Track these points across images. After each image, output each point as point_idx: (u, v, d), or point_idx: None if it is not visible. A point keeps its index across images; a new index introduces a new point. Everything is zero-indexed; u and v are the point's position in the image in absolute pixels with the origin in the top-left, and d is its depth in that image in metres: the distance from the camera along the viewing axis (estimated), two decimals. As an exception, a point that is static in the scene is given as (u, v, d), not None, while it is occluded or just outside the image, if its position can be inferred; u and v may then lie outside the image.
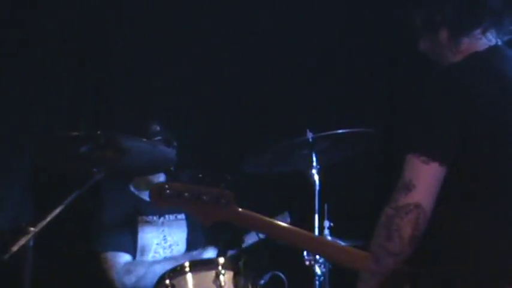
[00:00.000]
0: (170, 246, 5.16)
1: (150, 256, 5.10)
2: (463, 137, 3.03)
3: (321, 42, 6.13)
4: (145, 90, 5.88)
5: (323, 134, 4.63)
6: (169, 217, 5.23)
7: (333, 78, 5.99)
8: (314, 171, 4.68)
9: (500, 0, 3.31)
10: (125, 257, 5.00)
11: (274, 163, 4.86)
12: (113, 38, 5.88)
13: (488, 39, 3.28)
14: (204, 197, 3.38)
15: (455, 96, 3.14)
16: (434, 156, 2.99)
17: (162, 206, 3.69)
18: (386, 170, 5.56)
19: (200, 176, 3.63)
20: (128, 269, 4.99)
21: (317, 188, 4.66)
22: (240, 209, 3.40)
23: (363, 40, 5.95)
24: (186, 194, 3.40)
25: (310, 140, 4.60)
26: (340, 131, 4.59)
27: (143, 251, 5.11)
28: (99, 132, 4.32)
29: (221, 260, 4.34)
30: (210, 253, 4.99)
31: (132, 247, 5.05)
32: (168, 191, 3.40)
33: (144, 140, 4.65)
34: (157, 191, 3.42)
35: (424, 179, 2.99)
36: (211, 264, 4.36)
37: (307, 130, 4.59)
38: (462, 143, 3.03)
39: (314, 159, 4.69)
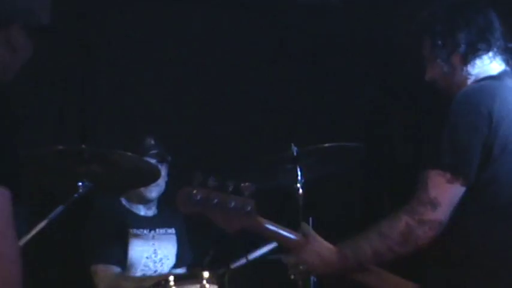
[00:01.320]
0: (160, 260, 5.14)
1: (139, 270, 5.09)
2: (485, 157, 3.23)
3: (306, 56, 6.18)
4: (132, 105, 5.84)
5: (308, 148, 4.65)
6: (159, 231, 5.23)
7: (318, 92, 6.05)
8: (299, 185, 4.68)
9: (503, 28, 3.50)
10: (115, 270, 4.98)
11: (259, 178, 4.61)
12: (100, 51, 5.82)
13: (499, 63, 3.47)
14: (230, 205, 3.41)
15: (482, 118, 3.28)
16: (460, 176, 3.19)
17: (186, 211, 3.53)
18: (370, 185, 5.52)
19: (226, 183, 3.53)
20: (118, 283, 5.02)
21: (301, 202, 4.67)
22: (262, 218, 3.42)
23: (347, 55, 5.98)
24: (214, 201, 3.41)
25: (295, 154, 4.60)
26: (325, 145, 4.63)
27: (133, 264, 5.09)
28: (83, 146, 4.28)
29: (206, 274, 4.26)
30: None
31: (122, 260, 5.02)
32: (197, 197, 3.39)
33: (130, 153, 4.59)
34: (185, 195, 3.40)
35: (449, 198, 3.20)
36: (196, 278, 4.30)
37: (292, 144, 4.59)
38: (483, 163, 3.22)
39: (299, 173, 4.68)
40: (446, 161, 3.28)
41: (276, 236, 3.54)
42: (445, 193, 3.23)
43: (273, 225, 3.45)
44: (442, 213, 3.21)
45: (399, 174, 5.17)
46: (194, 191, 3.34)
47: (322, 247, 3.48)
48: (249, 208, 3.33)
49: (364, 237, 3.41)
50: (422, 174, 3.30)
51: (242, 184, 3.53)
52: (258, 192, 4.14)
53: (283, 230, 3.46)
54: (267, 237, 3.83)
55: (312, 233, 3.52)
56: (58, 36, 5.55)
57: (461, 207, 3.28)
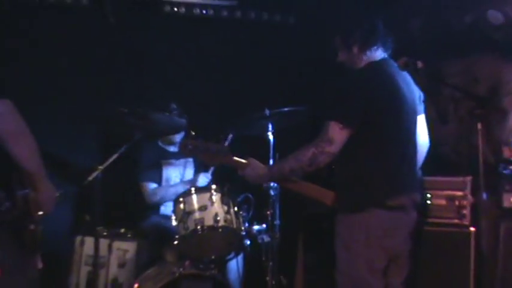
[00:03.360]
0: (183, 177, 6.21)
1: (171, 183, 6.15)
2: (366, 112, 3.95)
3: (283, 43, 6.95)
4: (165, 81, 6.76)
5: (275, 111, 5.48)
6: (182, 160, 6.28)
7: (283, 72, 6.93)
8: (270, 133, 5.59)
9: (386, 29, 4.26)
10: (153, 185, 6.11)
11: (244, 130, 5.60)
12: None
13: (380, 53, 4.24)
14: (211, 149, 4.33)
15: (364, 87, 4.03)
16: (348, 124, 3.94)
17: (185, 153, 4.42)
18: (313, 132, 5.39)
19: (213, 135, 4.51)
20: (154, 192, 6.08)
21: (271, 143, 5.56)
22: (233, 157, 4.28)
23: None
24: (200, 147, 4.32)
25: (268, 114, 5.50)
26: (285, 109, 5.47)
27: (167, 180, 6.18)
28: (138, 109, 5.22)
29: (213, 186, 5.18)
30: (201, 177, 5.88)
31: (158, 179, 6.14)
32: (190, 146, 4.32)
33: (165, 113, 5.69)
34: (183, 144, 4.35)
35: (340, 138, 3.94)
36: (207, 189, 5.19)
37: (266, 108, 5.47)
38: (365, 116, 3.95)
39: (270, 126, 5.59)
40: (339, 114, 3.97)
41: (236, 164, 4.33)
42: (338, 135, 3.93)
43: (236, 159, 4.31)
44: (335, 147, 3.95)
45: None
46: (189, 142, 4.33)
47: (258, 166, 4.29)
48: (224, 151, 4.30)
49: (285, 160, 4.16)
50: (325, 122, 3.97)
51: (221, 136, 4.67)
52: (245, 138, 5.03)
53: (239, 160, 4.31)
54: (232, 165, 4.37)
55: (254, 160, 4.31)
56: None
57: (351, 143, 3.97)
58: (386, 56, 4.25)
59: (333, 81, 4.28)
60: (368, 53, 4.26)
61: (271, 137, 5.63)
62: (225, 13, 6.97)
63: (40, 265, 3.45)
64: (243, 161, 4.31)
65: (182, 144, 4.37)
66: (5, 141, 3.17)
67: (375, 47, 4.26)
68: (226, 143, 4.73)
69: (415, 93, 4.32)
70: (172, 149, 6.30)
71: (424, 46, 5.37)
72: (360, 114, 3.99)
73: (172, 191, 5.88)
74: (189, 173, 6.29)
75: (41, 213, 3.46)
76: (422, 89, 4.38)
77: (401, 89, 4.15)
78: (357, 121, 3.98)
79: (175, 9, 6.84)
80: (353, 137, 3.99)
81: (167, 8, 6.80)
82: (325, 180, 4.25)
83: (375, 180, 4.03)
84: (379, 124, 4.04)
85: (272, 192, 5.51)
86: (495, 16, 4.66)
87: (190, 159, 6.28)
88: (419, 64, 3.95)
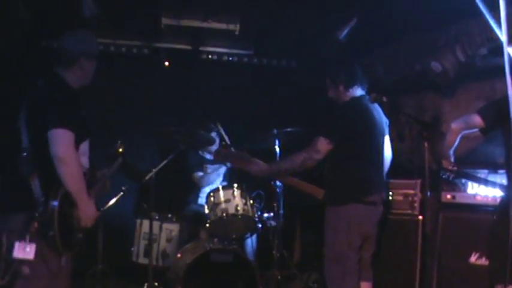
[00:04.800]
0: (216, 180, 6.04)
1: (210, 184, 5.98)
2: (347, 132, 3.94)
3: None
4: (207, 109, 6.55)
5: (281, 130, 5.42)
6: (216, 166, 6.10)
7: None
8: (276, 146, 5.53)
9: (362, 71, 4.21)
10: (200, 173, 6.03)
11: (258, 143, 5.51)
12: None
13: (359, 91, 4.19)
14: (237, 156, 4.29)
15: (348, 115, 4.03)
16: (331, 140, 3.90)
17: (218, 159, 4.52)
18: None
19: (238, 147, 4.71)
20: (202, 177, 5.99)
21: (278, 154, 5.50)
22: (255, 160, 4.16)
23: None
24: (229, 154, 4.39)
25: (275, 133, 5.45)
26: (288, 129, 5.40)
27: (207, 182, 6.03)
28: (182, 127, 5.19)
29: (235, 185, 5.20)
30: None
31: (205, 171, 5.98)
32: (222, 153, 4.39)
33: (202, 131, 5.61)
34: (217, 152, 4.40)
35: (325, 150, 3.93)
36: (230, 187, 5.22)
37: (274, 128, 5.43)
38: (346, 135, 3.94)
39: (277, 141, 5.52)
40: (327, 132, 3.91)
41: (244, 163, 4.20)
42: (324, 147, 3.87)
43: (258, 162, 4.20)
44: (320, 156, 3.93)
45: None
46: (222, 150, 4.43)
47: (260, 164, 4.17)
48: (246, 157, 4.23)
49: (282, 161, 4.23)
50: (315, 137, 3.97)
51: (244, 146, 4.65)
52: (259, 150, 4.81)
53: (247, 159, 4.18)
54: (247, 166, 4.20)
55: (258, 160, 4.16)
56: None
57: (337, 154, 3.97)
58: (363, 92, 4.21)
59: (323, 109, 4.24)
60: (350, 90, 4.18)
61: (277, 149, 5.59)
62: (245, 59, 6.97)
63: (63, 262, 3.08)
64: (248, 159, 4.28)
65: (216, 152, 4.40)
66: (55, 162, 3.00)
67: (356, 86, 4.20)
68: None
69: (383, 120, 4.28)
70: (209, 156, 6.18)
71: (387, 85, 5.36)
72: (341, 134, 3.96)
73: (213, 176, 5.92)
74: (220, 174, 6.19)
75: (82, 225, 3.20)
76: (387, 116, 4.34)
77: (373, 117, 4.12)
78: (339, 138, 3.95)
79: (210, 56, 6.84)
80: (338, 150, 3.96)
81: (204, 56, 6.80)
82: (316, 180, 4.22)
83: (354, 182, 4.02)
84: (357, 141, 4.01)
85: (278, 190, 5.51)
86: (436, 66, 4.65)
87: (222, 165, 6.14)
88: (384, 98, 3.93)
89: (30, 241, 2.94)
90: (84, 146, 3.24)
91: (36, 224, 2.91)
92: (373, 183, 4.08)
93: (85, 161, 3.27)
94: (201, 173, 6.04)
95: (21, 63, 5.53)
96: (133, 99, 6.53)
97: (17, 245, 2.89)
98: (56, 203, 2.97)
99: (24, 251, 2.92)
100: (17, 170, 3.01)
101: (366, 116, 4.07)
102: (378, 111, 4.22)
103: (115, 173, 3.69)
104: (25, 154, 3.03)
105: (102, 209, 4.38)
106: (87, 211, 3.15)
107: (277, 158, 5.34)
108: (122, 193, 4.81)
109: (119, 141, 3.94)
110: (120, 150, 3.94)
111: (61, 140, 2.97)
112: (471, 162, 4.33)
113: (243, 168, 4.16)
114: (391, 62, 5.42)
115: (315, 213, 4.49)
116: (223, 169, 6.05)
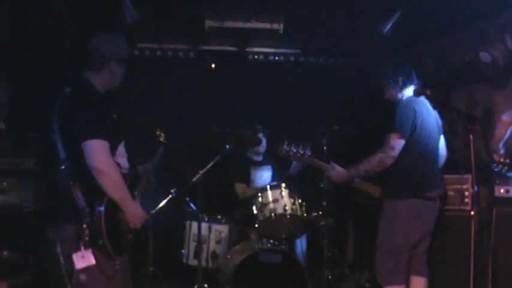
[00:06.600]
0: (264, 180, 6.01)
1: (256, 184, 5.92)
2: (413, 127, 4.02)
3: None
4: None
5: (327, 127, 5.47)
6: (264, 167, 6.09)
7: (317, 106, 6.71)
8: (324, 142, 5.48)
9: (414, 71, 4.24)
10: (243, 185, 5.93)
11: (308, 142, 4.86)
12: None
13: (411, 89, 4.25)
14: (299, 152, 4.39)
15: (411, 112, 4.08)
16: (403, 136, 4.01)
17: (281, 154, 4.41)
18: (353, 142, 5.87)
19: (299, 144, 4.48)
20: (245, 191, 5.87)
21: (325, 152, 5.41)
22: (314, 158, 4.33)
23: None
24: (292, 151, 4.39)
25: (323, 130, 5.44)
26: (335, 127, 5.48)
27: (253, 181, 5.97)
28: (227, 129, 5.30)
29: (283, 185, 5.24)
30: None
31: (247, 180, 5.94)
32: (284, 150, 4.39)
33: (248, 131, 5.73)
34: (280, 148, 4.41)
35: (398, 145, 3.99)
36: (278, 187, 5.25)
37: (321, 126, 5.46)
38: (412, 130, 4.01)
39: (323, 140, 5.48)
40: (397, 129, 4.03)
41: (320, 166, 4.36)
42: (397, 143, 3.99)
43: (318, 161, 4.39)
44: (396, 152, 3.92)
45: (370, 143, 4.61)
46: (284, 147, 4.39)
47: (339, 169, 4.29)
48: (309, 153, 4.39)
49: (360, 164, 4.15)
50: (387, 135, 4.01)
51: (304, 144, 4.50)
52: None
53: (323, 163, 4.35)
54: (316, 166, 4.41)
55: (336, 164, 4.31)
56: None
57: (403, 149, 4.00)
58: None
59: (372, 108, 4.34)
60: (406, 90, 4.28)
61: (325, 147, 5.65)
62: (291, 58, 6.94)
63: (117, 265, 3.08)
64: (324, 164, 4.36)
65: (279, 149, 4.40)
66: (93, 173, 2.99)
67: (410, 86, 4.27)
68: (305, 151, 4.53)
69: (434, 117, 4.33)
70: (256, 158, 6.12)
71: (437, 79, 5.28)
72: (411, 129, 4.04)
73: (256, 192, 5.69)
74: (268, 175, 6.13)
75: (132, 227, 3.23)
76: (437, 110, 4.34)
77: (431, 114, 4.22)
78: (409, 134, 4.03)
79: (256, 56, 6.85)
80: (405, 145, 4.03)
81: (250, 56, 6.82)
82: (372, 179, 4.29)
83: (414, 176, 4.07)
84: (418, 137, 4.08)
85: (327, 189, 5.50)
86: (485, 56, 4.58)
87: (269, 166, 6.12)
88: (428, 91, 3.94)
89: (85, 248, 2.99)
90: (121, 147, 3.23)
91: (87, 232, 2.95)
92: (433, 178, 4.15)
93: (124, 161, 3.27)
94: (243, 185, 5.95)
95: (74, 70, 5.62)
96: (181, 102, 6.56)
97: (74, 257, 2.94)
98: (102, 208, 3.00)
99: (83, 259, 2.97)
100: (59, 183, 3.04)
101: (425, 112, 4.14)
102: (429, 108, 4.27)
103: (158, 163, 3.70)
104: (63, 167, 3.04)
105: (151, 211, 4.64)
106: (133, 213, 3.17)
107: (325, 155, 5.28)
108: (170, 196, 4.98)
109: (158, 129, 3.93)
110: (161, 139, 3.93)
111: (95, 151, 2.95)
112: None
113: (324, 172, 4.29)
114: (439, 55, 5.39)
115: (367, 212, 4.57)
116: (269, 169, 6.04)
